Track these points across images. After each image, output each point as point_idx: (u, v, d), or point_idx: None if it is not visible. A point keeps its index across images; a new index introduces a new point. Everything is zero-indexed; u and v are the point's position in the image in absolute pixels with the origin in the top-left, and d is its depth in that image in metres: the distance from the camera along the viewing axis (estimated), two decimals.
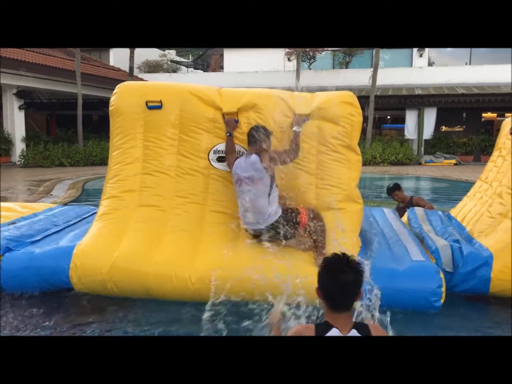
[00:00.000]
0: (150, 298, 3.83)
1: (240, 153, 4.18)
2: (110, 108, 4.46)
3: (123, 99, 4.42)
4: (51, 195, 10.23)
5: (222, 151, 4.24)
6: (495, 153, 5.45)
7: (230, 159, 4.10)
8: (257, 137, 3.83)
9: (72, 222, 4.85)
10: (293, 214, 3.80)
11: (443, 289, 3.59)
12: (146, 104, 4.30)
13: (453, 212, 5.63)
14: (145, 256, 3.85)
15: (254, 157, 3.77)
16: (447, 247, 4.06)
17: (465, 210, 5.34)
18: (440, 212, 5.56)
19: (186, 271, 3.74)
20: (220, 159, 4.24)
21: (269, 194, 3.74)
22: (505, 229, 4.15)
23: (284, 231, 3.77)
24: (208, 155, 4.26)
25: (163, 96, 4.33)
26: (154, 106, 4.30)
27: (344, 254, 2.03)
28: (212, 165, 4.25)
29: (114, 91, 4.50)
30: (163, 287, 3.74)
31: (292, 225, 3.80)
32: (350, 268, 1.97)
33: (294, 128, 3.99)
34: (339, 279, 1.94)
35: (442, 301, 3.58)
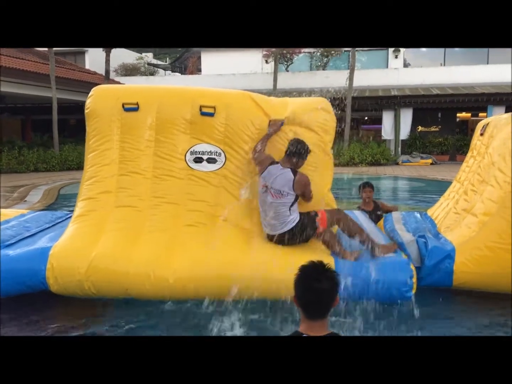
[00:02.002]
0: (127, 297, 3.81)
1: (217, 154, 4.25)
2: (86, 111, 4.46)
3: (99, 101, 4.44)
4: (26, 201, 10.03)
5: (199, 152, 4.29)
6: (469, 154, 5.58)
7: (259, 153, 4.10)
8: (299, 153, 3.93)
9: (45, 227, 4.73)
10: (312, 217, 3.92)
11: (414, 280, 3.70)
12: (123, 106, 4.31)
13: (430, 211, 5.75)
14: (123, 255, 3.84)
15: (290, 174, 3.87)
16: (413, 242, 4.19)
17: (439, 210, 5.46)
18: (416, 213, 5.67)
19: (164, 270, 3.75)
20: (197, 160, 4.28)
21: (292, 205, 3.88)
22: (468, 223, 4.27)
23: (299, 237, 3.90)
24: (185, 156, 4.30)
25: (140, 98, 4.36)
26: (131, 108, 4.32)
27: (320, 262, 2.02)
28: (189, 166, 4.28)
29: (90, 94, 4.50)
30: (142, 286, 3.74)
31: (309, 229, 3.90)
32: (325, 277, 1.97)
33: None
34: (314, 288, 1.95)
35: (413, 291, 3.68)
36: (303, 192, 3.92)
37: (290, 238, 3.91)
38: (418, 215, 5.55)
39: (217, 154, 4.29)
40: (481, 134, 5.20)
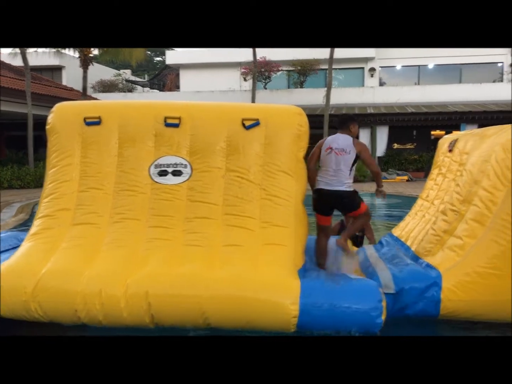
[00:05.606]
0: (79, 323, 3.58)
1: (183, 166, 4.16)
2: (47, 127, 4.36)
3: (60, 117, 4.34)
4: None
5: (164, 165, 4.17)
6: (434, 171, 5.42)
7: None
8: (350, 123, 4.44)
9: (8, 248, 4.43)
10: (359, 199, 4.39)
11: (384, 304, 3.47)
12: (84, 121, 4.21)
13: (396, 231, 5.56)
14: (75, 273, 3.62)
15: (349, 137, 4.38)
16: (385, 269, 4.00)
17: (408, 230, 5.25)
18: (387, 235, 5.54)
19: (116, 289, 3.53)
20: (162, 173, 4.16)
21: (351, 170, 4.30)
22: (452, 246, 4.02)
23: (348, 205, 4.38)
24: (149, 169, 4.18)
25: (102, 112, 4.26)
26: (93, 122, 4.21)
27: None
28: (153, 180, 4.16)
29: (51, 110, 4.41)
30: (92, 306, 3.49)
31: (356, 204, 4.37)
32: None
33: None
34: None
35: (383, 317, 3.43)
36: (360, 150, 4.33)
37: (341, 200, 4.30)
38: (386, 238, 5.37)
39: (183, 166, 4.17)
40: (450, 151, 5.05)
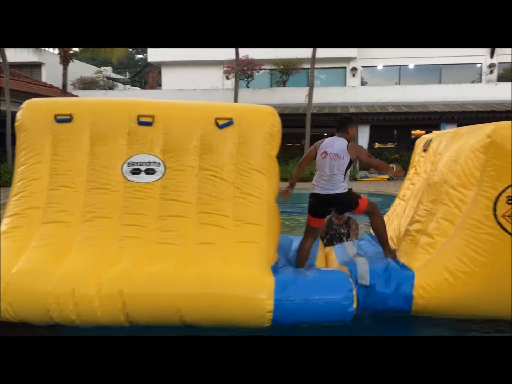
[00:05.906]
0: (51, 323, 3.54)
1: (156, 164, 4.13)
2: (16, 124, 4.29)
3: (29, 113, 4.27)
4: None
5: (137, 163, 4.14)
6: (411, 171, 5.49)
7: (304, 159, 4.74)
8: (348, 125, 4.45)
9: None
10: (356, 194, 4.42)
11: (354, 293, 3.59)
12: (55, 118, 4.15)
13: None
14: (46, 272, 3.57)
15: (344, 141, 4.38)
16: (365, 263, 4.06)
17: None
18: (366, 235, 5.59)
19: (90, 288, 3.50)
20: (134, 172, 4.13)
21: (345, 174, 4.32)
22: (424, 245, 4.08)
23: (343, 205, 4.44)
24: (122, 167, 4.14)
25: (73, 109, 4.21)
26: (64, 119, 4.15)
27: None
28: (125, 178, 4.12)
29: (21, 106, 4.33)
30: (65, 306, 3.46)
31: (353, 203, 4.40)
32: None
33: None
34: None
35: (354, 305, 3.55)
36: (357, 156, 4.36)
37: (338, 202, 4.35)
38: (368, 236, 5.43)
39: (156, 164, 4.14)
40: (425, 150, 5.12)
